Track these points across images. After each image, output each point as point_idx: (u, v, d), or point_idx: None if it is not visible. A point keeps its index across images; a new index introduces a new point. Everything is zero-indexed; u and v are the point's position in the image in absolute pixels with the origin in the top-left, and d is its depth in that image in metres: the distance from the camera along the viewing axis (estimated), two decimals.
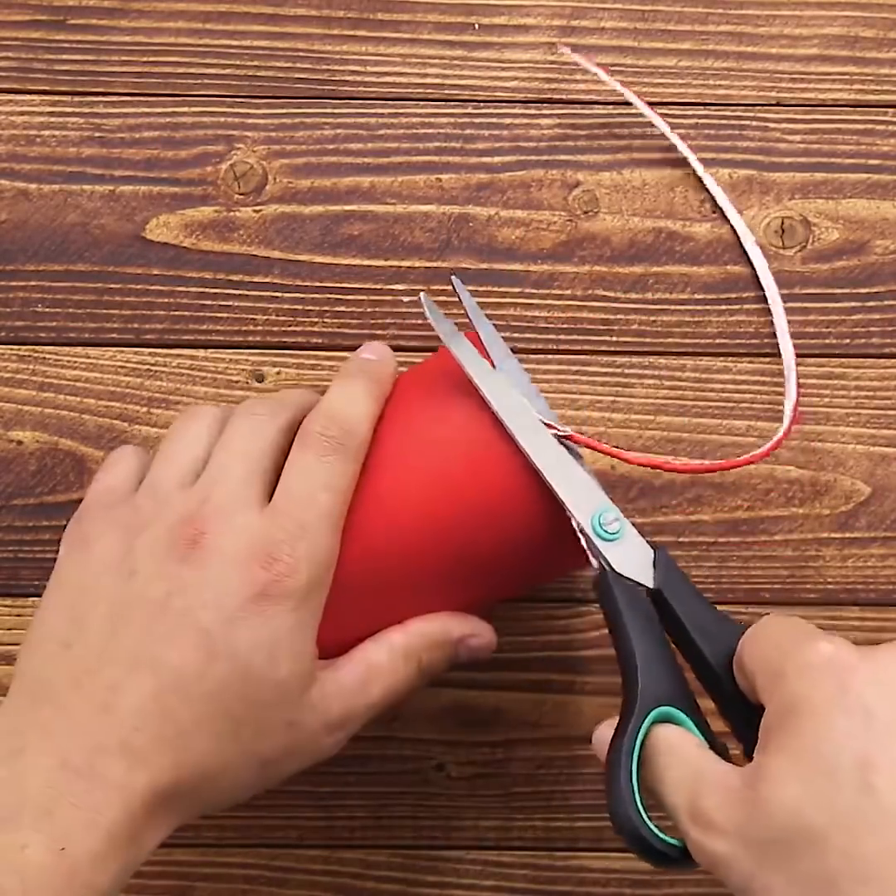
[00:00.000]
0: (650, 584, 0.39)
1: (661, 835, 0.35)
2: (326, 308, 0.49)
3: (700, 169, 0.48)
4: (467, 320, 0.41)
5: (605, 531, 0.39)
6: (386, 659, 0.39)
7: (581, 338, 0.49)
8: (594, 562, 0.40)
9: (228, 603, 0.36)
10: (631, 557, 0.39)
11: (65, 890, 0.33)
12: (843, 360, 0.48)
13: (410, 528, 0.39)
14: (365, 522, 0.39)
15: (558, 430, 0.39)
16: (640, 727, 0.36)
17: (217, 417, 0.40)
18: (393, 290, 0.49)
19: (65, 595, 0.38)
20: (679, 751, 0.35)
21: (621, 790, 0.35)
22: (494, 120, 0.50)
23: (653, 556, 0.39)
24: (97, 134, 0.50)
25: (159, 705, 0.35)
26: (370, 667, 0.39)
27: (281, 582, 0.36)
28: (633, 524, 0.47)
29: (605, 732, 0.37)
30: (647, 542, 0.39)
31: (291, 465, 0.38)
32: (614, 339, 0.49)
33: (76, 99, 0.50)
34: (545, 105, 0.50)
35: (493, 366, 0.40)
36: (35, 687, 0.36)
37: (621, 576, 0.39)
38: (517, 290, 0.49)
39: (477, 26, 0.50)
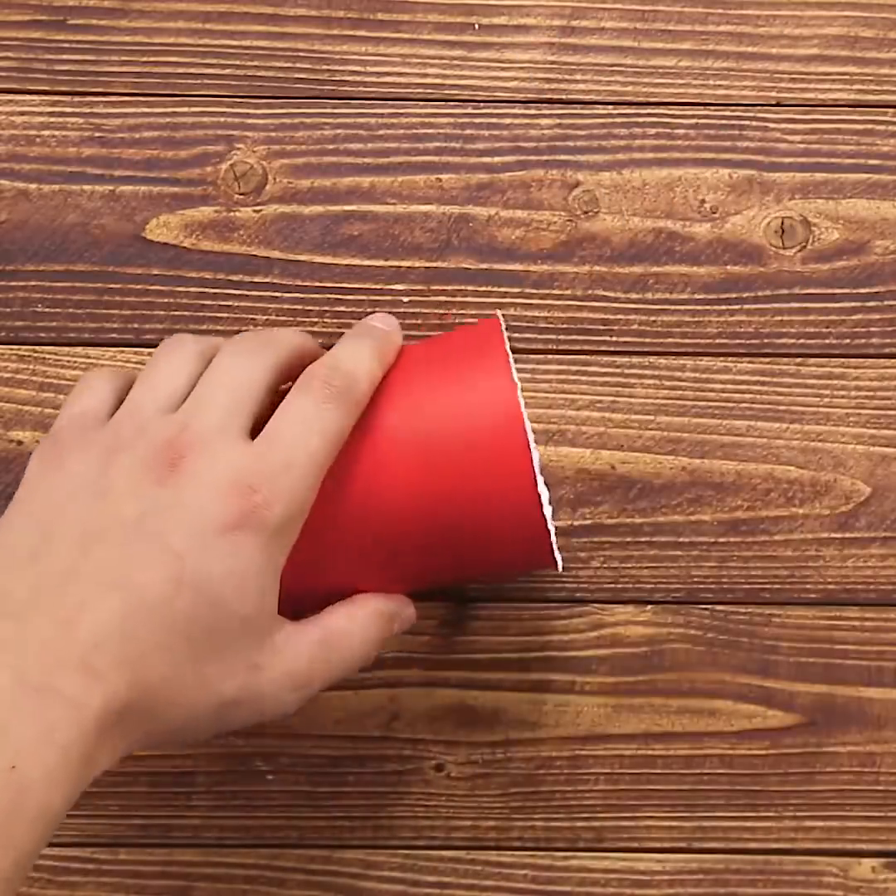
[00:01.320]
0: None
1: None
2: (326, 308, 0.49)
3: None
4: None
5: None
6: (345, 627, 0.39)
7: (581, 338, 0.49)
8: (560, 564, 0.40)
9: (202, 528, 0.36)
10: None
11: (16, 809, 0.32)
12: (843, 360, 0.48)
13: (403, 500, 0.39)
14: (356, 482, 0.39)
15: None
16: None
17: (202, 351, 0.40)
18: (393, 290, 0.49)
19: (34, 510, 0.37)
20: None
21: None
22: (494, 120, 0.50)
23: None
24: (97, 134, 0.50)
25: (124, 626, 0.35)
26: (333, 632, 0.39)
27: (256, 513, 0.36)
28: (633, 525, 0.48)
29: None
30: None
31: (288, 405, 0.38)
32: (614, 339, 0.49)
33: (76, 99, 0.50)
34: (545, 105, 0.50)
35: None
36: None
37: None
38: (517, 290, 0.49)
39: (477, 26, 0.50)
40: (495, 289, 0.49)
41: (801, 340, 0.48)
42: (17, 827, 0.32)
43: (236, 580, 0.36)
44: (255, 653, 0.37)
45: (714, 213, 0.49)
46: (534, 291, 0.49)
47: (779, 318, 0.49)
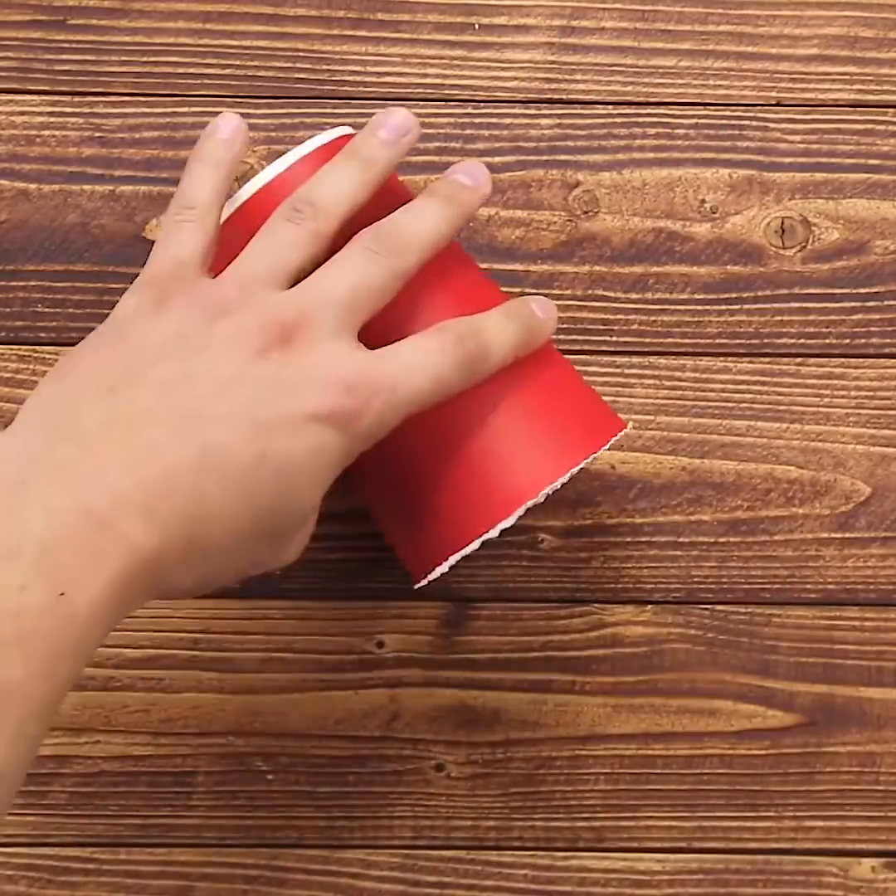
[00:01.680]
0: None
1: None
2: None
3: None
4: None
5: None
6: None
7: (581, 338, 0.49)
8: (423, 582, 0.40)
9: (294, 410, 0.35)
10: None
11: (61, 638, 0.31)
12: (843, 360, 0.48)
13: (406, 449, 0.39)
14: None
15: None
16: None
17: (320, 231, 0.38)
18: None
19: (122, 342, 0.36)
20: None
21: None
22: (494, 120, 0.50)
23: None
24: (97, 134, 0.50)
25: (195, 482, 0.34)
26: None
27: (348, 415, 0.35)
28: (633, 525, 0.48)
29: None
30: None
31: (418, 339, 0.37)
32: (614, 339, 0.49)
33: (76, 99, 0.50)
34: (545, 105, 0.50)
35: None
36: (60, 421, 0.34)
37: None
38: (517, 290, 0.49)
39: (477, 26, 0.50)
40: None
41: (801, 340, 0.48)
42: (60, 656, 0.31)
43: (312, 472, 0.36)
44: (293, 538, 0.37)
45: (714, 213, 0.49)
46: (534, 291, 0.49)
47: (779, 318, 0.49)
